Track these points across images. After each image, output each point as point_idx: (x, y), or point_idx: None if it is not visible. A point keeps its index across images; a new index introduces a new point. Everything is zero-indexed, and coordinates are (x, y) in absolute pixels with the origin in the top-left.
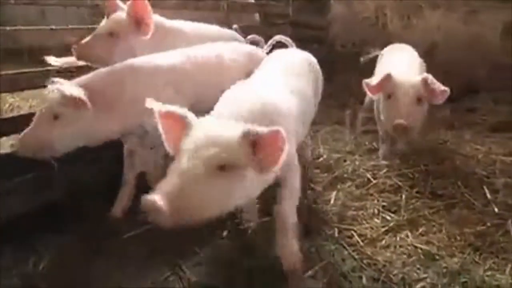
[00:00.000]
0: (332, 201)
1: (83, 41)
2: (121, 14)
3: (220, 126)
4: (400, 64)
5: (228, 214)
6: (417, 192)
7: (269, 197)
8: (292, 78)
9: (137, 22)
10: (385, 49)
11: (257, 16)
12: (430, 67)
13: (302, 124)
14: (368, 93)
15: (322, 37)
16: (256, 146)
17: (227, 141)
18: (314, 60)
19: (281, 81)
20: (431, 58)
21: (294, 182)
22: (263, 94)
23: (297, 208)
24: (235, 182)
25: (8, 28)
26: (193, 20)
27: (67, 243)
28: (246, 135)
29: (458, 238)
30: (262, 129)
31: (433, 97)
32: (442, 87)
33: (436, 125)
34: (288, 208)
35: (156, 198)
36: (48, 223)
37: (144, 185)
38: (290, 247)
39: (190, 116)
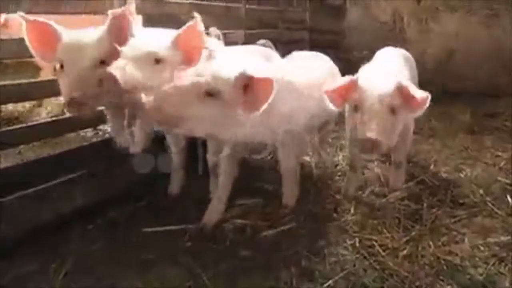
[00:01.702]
0: (352, 210)
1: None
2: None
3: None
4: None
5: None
6: (438, 201)
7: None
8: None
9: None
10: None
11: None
12: (449, 72)
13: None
14: (331, 105)
15: (339, 42)
16: (248, 88)
17: (223, 77)
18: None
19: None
20: (449, 63)
21: (287, 152)
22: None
23: (316, 215)
24: (217, 108)
25: None
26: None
27: (89, 250)
28: (241, 74)
29: (482, 248)
30: (255, 74)
31: (411, 106)
32: (421, 93)
33: (456, 130)
34: (285, 166)
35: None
36: (69, 228)
37: None
38: (291, 189)
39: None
